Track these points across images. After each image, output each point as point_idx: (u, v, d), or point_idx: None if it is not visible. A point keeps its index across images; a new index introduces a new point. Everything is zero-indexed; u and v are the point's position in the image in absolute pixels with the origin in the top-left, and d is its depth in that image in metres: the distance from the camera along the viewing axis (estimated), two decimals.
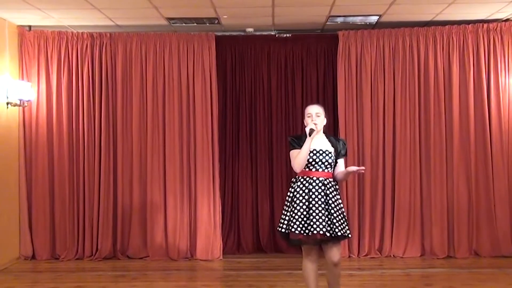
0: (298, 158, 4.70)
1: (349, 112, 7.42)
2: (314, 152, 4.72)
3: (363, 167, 5.06)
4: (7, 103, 7.06)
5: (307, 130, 4.74)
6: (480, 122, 7.35)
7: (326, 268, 4.83)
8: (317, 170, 4.72)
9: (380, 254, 7.46)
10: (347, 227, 4.74)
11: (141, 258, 7.50)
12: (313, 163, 4.72)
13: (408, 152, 7.41)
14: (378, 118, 7.46)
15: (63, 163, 7.49)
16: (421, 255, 7.42)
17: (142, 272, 6.92)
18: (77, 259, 7.46)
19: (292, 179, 4.86)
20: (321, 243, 4.71)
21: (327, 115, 4.96)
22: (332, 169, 4.79)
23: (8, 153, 7.24)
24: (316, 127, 4.73)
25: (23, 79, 7.44)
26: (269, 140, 8.01)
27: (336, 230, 4.61)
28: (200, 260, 7.41)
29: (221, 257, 7.48)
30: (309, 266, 4.80)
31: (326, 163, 4.73)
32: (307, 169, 4.73)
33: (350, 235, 4.81)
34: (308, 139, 4.70)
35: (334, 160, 4.79)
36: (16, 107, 7.25)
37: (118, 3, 6.47)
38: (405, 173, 7.39)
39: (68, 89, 7.52)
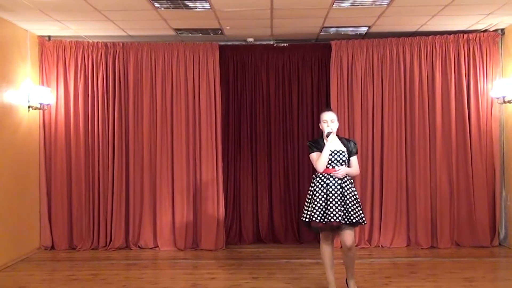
0: (321, 160, 4.99)
1: (341, 115, 7.44)
2: (330, 152, 5.00)
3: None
4: (29, 107, 7.16)
5: (325, 133, 5.01)
6: (460, 123, 7.40)
7: (342, 252, 5.14)
8: (333, 167, 4.99)
9: (369, 244, 7.50)
10: (362, 215, 5.02)
11: (151, 248, 7.56)
12: (329, 162, 5.00)
13: (395, 151, 7.46)
14: (367, 119, 7.50)
15: (80, 162, 7.54)
16: (407, 246, 7.47)
17: (152, 261, 7.00)
18: (92, 249, 7.51)
19: (313, 176, 5.15)
20: (338, 229, 4.98)
21: (339, 119, 5.26)
22: (346, 165, 5.06)
23: (30, 152, 7.31)
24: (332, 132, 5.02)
25: (43, 84, 7.51)
26: (268, 140, 8.06)
27: (352, 218, 4.91)
28: (205, 250, 7.45)
29: (224, 247, 7.53)
30: (326, 248, 5.16)
31: (340, 161, 5.02)
32: (325, 167, 5.00)
33: (365, 222, 5.09)
34: (327, 143, 4.97)
35: (347, 158, 5.08)
36: (37, 110, 7.35)
37: (130, 15, 6.52)
38: (392, 170, 7.44)
39: (84, 94, 7.58)
